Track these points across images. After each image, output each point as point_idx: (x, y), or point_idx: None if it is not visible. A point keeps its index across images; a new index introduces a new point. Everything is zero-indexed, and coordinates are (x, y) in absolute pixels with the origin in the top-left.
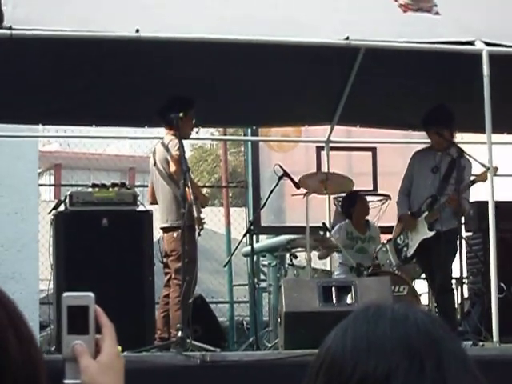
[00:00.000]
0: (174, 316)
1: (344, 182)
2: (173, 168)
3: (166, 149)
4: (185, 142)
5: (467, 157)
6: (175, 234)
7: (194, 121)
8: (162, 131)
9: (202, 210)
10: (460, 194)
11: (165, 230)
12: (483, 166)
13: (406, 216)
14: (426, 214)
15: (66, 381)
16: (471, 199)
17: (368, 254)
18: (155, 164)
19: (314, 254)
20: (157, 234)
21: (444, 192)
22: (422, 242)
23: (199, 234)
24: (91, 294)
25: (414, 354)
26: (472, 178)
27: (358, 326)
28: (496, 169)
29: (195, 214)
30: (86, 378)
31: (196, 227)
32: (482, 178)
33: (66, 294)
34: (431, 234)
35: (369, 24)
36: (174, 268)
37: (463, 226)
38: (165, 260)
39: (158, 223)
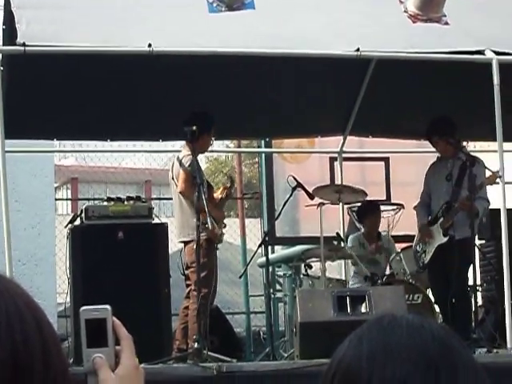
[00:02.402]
0: (192, 327)
1: (357, 194)
2: (180, 187)
3: (180, 164)
4: (200, 154)
5: (478, 163)
6: (196, 247)
7: (213, 136)
8: (176, 144)
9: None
10: (472, 198)
11: (186, 242)
12: (492, 172)
13: (424, 225)
14: (441, 220)
15: None
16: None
17: (380, 264)
18: (173, 178)
19: (329, 264)
20: (172, 246)
21: (458, 197)
22: (437, 250)
23: (216, 248)
24: (108, 307)
25: (429, 362)
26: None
27: (374, 334)
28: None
29: (209, 226)
30: None
31: None
32: (489, 180)
33: (83, 307)
34: (445, 239)
35: (379, 35)
36: (193, 280)
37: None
38: (186, 272)
39: (177, 236)
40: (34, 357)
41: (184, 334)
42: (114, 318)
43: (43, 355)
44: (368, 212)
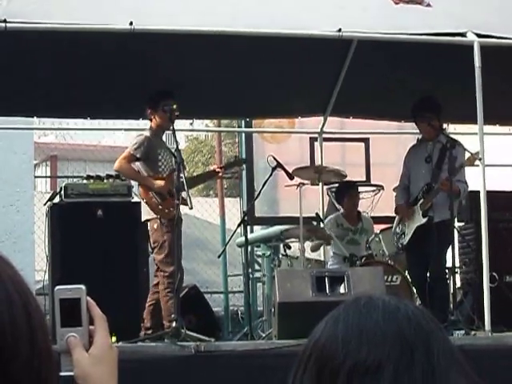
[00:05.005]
0: (165, 308)
1: (337, 175)
2: (115, 164)
3: None
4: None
5: (459, 146)
6: (155, 226)
7: (170, 113)
8: None
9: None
10: (451, 179)
11: (148, 220)
12: (471, 154)
13: (402, 206)
14: (421, 201)
15: (61, 373)
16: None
17: (360, 245)
18: None
19: (308, 244)
20: None
21: (438, 179)
22: (416, 231)
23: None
24: (82, 287)
25: (405, 344)
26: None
27: (350, 316)
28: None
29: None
30: (78, 370)
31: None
32: (469, 161)
33: (57, 287)
34: (424, 220)
35: (361, 16)
36: (157, 259)
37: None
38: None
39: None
40: (20, 339)
41: (150, 312)
42: (89, 298)
43: (29, 338)
44: (346, 192)
